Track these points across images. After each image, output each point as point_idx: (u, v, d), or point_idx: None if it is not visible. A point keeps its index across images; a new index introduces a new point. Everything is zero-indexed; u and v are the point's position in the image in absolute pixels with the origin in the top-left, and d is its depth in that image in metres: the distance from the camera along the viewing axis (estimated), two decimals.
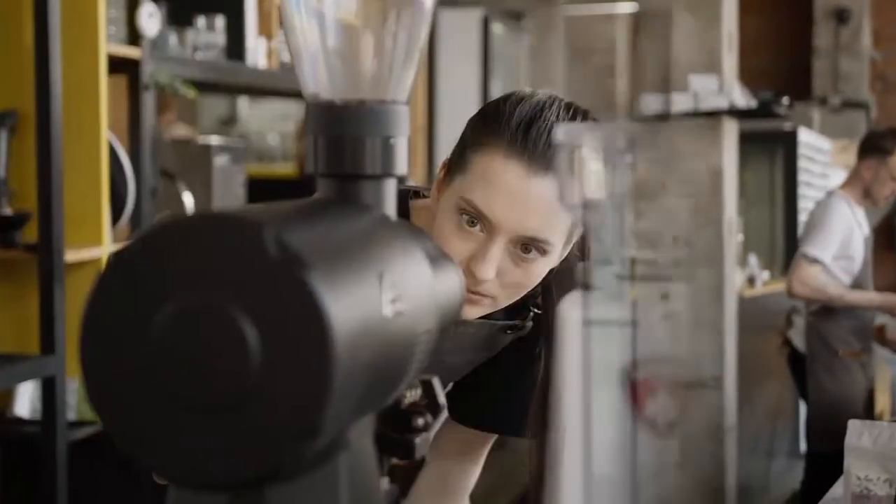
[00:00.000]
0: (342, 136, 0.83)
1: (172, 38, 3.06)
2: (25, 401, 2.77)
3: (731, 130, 5.91)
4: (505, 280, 1.32)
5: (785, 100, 6.58)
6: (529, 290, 1.36)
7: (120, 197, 2.69)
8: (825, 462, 4.33)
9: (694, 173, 5.62)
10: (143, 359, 0.66)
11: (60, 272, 2.42)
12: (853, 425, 2.10)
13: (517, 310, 1.47)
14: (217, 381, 0.64)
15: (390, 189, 0.85)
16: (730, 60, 5.91)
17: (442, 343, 0.88)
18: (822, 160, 8.00)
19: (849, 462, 2.08)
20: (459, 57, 5.54)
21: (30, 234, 2.49)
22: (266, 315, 0.64)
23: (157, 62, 2.85)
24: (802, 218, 7.34)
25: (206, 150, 3.24)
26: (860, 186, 4.45)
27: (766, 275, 6.45)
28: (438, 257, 0.91)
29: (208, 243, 0.65)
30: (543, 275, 1.36)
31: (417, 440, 0.90)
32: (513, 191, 1.29)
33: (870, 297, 4.48)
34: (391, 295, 0.73)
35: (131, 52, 2.76)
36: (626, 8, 7.23)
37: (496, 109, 1.34)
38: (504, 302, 1.35)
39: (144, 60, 2.78)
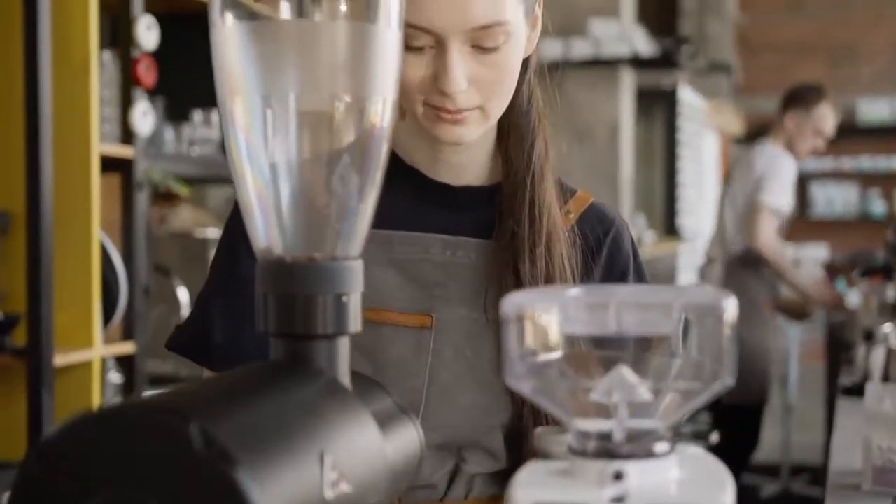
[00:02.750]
0: (293, 295, 0.80)
1: (169, 133, 3.07)
2: None
3: (629, 81, 5.78)
4: (481, 84, 1.20)
5: (686, 49, 6.48)
6: (514, 84, 1.24)
7: (112, 297, 2.67)
8: (742, 415, 4.30)
9: (590, 126, 5.46)
10: None
11: (49, 378, 2.39)
12: (872, 389, 1.92)
13: None
14: None
15: (343, 348, 0.82)
16: (628, 4, 5.74)
17: None
18: (699, 119, 8.07)
19: (869, 431, 1.87)
20: None
21: (19, 337, 2.47)
22: None
23: (152, 159, 2.85)
24: (681, 178, 7.36)
25: (204, 244, 3.23)
26: (783, 140, 4.47)
27: (651, 235, 6.48)
28: (394, 414, 0.88)
29: (132, 436, 0.62)
30: (519, 61, 1.24)
31: None
32: None
33: (808, 285, 4.49)
34: (334, 475, 0.70)
35: (125, 150, 2.76)
36: None
37: None
38: (495, 110, 1.24)
39: (138, 159, 2.77)
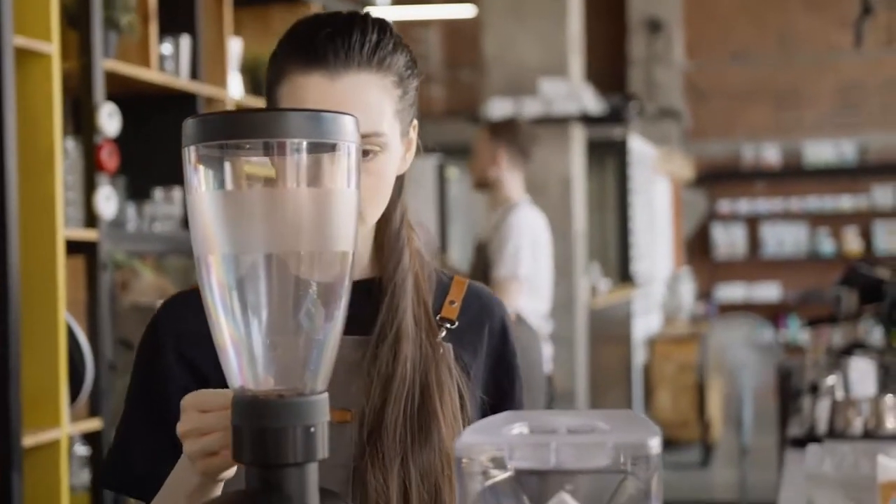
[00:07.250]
0: (265, 428, 0.89)
1: (131, 211, 3.14)
2: None
3: (579, 137, 5.94)
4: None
5: (634, 105, 6.66)
6: (388, 192, 1.30)
7: (78, 375, 2.73)
8: None
9: (543, 182, 5.57)
10: None
11: (18, 459, 2.45)
12: (812, 450, 1.97)
13: None
14: None
15: (312, 473, 0.91)
16: (576, 63, 5.90)
17: None
18: (650, 167, 8.27)
19: (810, 491, 1.96)
20: (418, 203, 5.59)
21: None
22: None
23: (115, 241, 2.92)
24: (634, 225, 7.58)
25: None
26: None
27: (606, 283, 6.67)
28: None
29: None
30: (394, 172, 1.31)
31: None
32: (319, 100, 1.23)
33: None
34: None
35: (89, 234, 2.83)
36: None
37: (283, 41, 1.30)
38: (371, 216, 1.30)
39: (102, 241, 2.84)
